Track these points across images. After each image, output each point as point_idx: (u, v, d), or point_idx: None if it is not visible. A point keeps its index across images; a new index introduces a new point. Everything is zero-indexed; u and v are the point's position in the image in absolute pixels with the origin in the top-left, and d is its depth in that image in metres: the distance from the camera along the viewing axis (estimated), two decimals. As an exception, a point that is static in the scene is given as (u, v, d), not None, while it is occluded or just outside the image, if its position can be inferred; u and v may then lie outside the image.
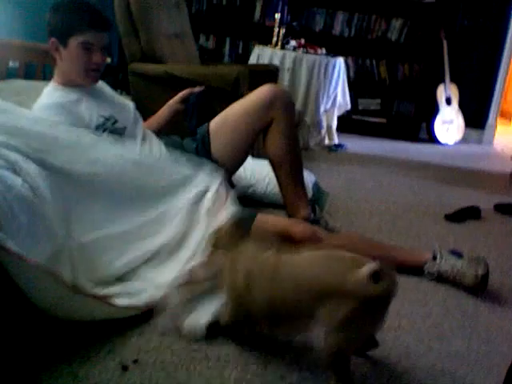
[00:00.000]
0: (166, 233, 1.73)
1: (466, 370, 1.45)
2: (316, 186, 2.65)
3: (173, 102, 2.32)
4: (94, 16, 1.87)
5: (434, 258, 1.94)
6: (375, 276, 1.17)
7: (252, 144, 2.21)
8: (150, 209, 1.76)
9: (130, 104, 2.15)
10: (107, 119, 1.93)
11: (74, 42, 1.84)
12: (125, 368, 1.29)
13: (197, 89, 2.30)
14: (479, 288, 1.88)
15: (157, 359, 1.34)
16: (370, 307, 1.19)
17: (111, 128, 1.93)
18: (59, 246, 1.52)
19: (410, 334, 1.60)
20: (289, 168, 2.18)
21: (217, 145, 2.13)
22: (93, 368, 1.27)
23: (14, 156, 1.58)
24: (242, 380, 1.30)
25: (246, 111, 2.14)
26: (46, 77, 2.03)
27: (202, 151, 2.12)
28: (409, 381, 1.37)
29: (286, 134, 2.15)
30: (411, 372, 1.40)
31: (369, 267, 1.18)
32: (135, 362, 1.32)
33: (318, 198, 2.53)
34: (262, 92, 2.15)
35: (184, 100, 2.30)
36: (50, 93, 1.95)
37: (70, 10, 1.88)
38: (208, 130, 2.15)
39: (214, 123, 2.17)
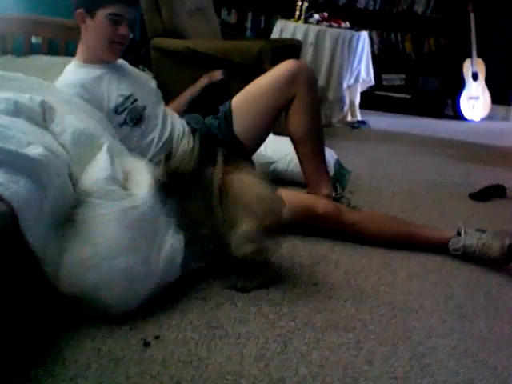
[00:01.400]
0: None
1: (489, 351, 1.44)
2: (338, 163, 2.62)
3: (191, 92, 2.30)
4: None
5: (459, 234, 1.92)
6: None
7: (274, 121, 2.18)
8: None
9: (152, 82, 2.14)
10: (127, 98, 1.93)
11: (103, 13, 1.85)
12: (147, 344, 1.30)
13: (217, 75, 2.27)
14: (506, 259, 1.84)
15: (178, 335, 1.35)
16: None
17: (130, 107, 1.93)
18: None
19: (433, 315, 1.58)
20: (311, 146, 2.15)
21: (239, 122, 2.10)
22: (115, 344, 1.29)
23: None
24: (262, 358, 1.30)
25: (268, 88, 2.11)
26: (69, 53, 2.03)
27: (224, 129, 2.10)
28: (431, 362, 1.36)
29: (309, 111, 2.11)
30: (433, 353, 1.39)
31: None
32: (157, 338, 1.33)
33: (339, 176, 2.51)
34: (284, 68, 2.11)
35: (202, 90, 2.28)
36: (72, 70, 1.95)
37: None
38: (230, 107, 2.12)
39: (236, 100, 2.14)
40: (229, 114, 2.12)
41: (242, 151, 2.11)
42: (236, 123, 2.10)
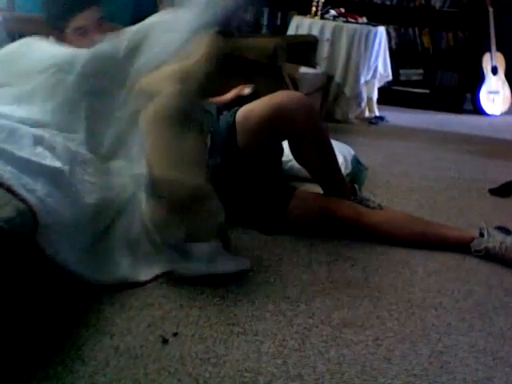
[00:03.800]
0: None
1: (509, 349, 1.42)
2: (355, 160, 2.61)
3: (218, 102, 2.26)
4: None
5: (481, 235, 1.90)
6: None
7: (278, 142, 2.08)
8: None
9: None
10: None
11: (70, 30, 1.86)
12: (165, 341, 1.31)
13: (246, 90, 2.24)
14: None
15: (196, 333, 1.35)
16: None
17: None
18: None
19: (452, 312, 1.57)
20: (320, 170, 2.03)
21: (242, 139, 1.94)
22: (133, 341, 1.30)
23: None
24: (279, 355, 1.30)
25: (264, 121, 1.87)
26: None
27: (230, 136, 1.95)
28: (450, 359, 1.34)
29: (312, 145, 1.94)
30: (452, 350, 1.38)
31: None
32: (175, 335, 1.34)
33: (357, 173, 2.50)
34: (277, 109, 1.85)
35: (230, 103, 2.24)
36: None
37: (50, 2, 1.91)
38: (234, 122, 1.94)
39: (241, 116, 1.95)
40: (232, 127, 1.94)
41: (246, 160, 1.97)
42: (240, 138, 1.93)
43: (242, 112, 1.95)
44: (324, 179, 2.05)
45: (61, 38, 1.90)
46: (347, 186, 2.12)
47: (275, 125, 1.86)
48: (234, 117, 1.95)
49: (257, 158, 1.99)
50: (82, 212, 1.49)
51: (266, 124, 1.86)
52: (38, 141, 1.48)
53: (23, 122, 1.57)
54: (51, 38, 1.90)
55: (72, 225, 1.43)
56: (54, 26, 1.90)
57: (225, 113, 2.10)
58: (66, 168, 1.47)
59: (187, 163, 1.49)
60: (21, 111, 1.63)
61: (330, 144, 2.01)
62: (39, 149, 1.45)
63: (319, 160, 1.99)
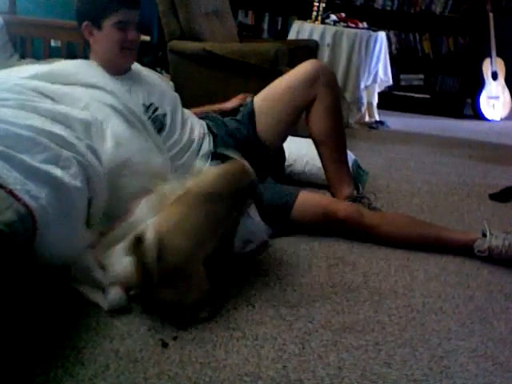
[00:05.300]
0: None
1: (509, 354, 1.41)
2: (356, 164, 2.61)
3: (221, 108, 2.31)
4: None
5: (484, 235, 1.90)
6: None
7: (295, 121, 2.18)
8: None
9: (168, 87, 2.13)
10: (148, 107, 1.90)
11: (109, 23, 1.84)
12: (165, 345, 1.31)
13: (248, 99, 2.27)
14: None
15: (196, 337, 1.35)
16: None
17: (152, 116, 1.90)
18: None
19: (452, 317, 1.57)
20: (332, 146, 2.15)
21: (260, 121, 2.12)
22: (134, 345, 1.29)
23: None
24: (279, 359, 1.30)
25: (289, 88, 2.11)
26: (87, 57, 2.02)
27: (247, 129, 2.12)
28: (450, 364, 1.34)
29: (329, 112, 2.12)
30: (452, 356, 1.38)
31: None
32: (175, 339, 1.33)
33: (357, 177, 2.50)
34: (305, 69, 2.12)
35: (231, 111, 2.29)
36: None
37: None
38: (253, 107, 2.14)
39: (257, 99, 2.16)
40: (252, 113, 2.13)
41: (262, 150, 2.11)
42: (259, 123, 2.12)
43: (260, 95, 2.17)
44: (332, 155, 2.16)
45: (94, 32, 1.87)
46: (351, 175, 2.21)
47: (303, 87, 2.09)
48: (252, 105, 2.14)
49: (271, 152, 2.16)
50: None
51: (296, 88, 2.10)
52: (53, 159, 1.47)
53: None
54: (84, 30, 1.89)
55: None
56: (91, 18, 1.86)
57: (226, 119, 2.15)
58: (73, 184, 1.46)
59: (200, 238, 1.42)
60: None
61: (342, 118, 2.22)
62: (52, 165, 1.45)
63: (331, 124, 2.13)
